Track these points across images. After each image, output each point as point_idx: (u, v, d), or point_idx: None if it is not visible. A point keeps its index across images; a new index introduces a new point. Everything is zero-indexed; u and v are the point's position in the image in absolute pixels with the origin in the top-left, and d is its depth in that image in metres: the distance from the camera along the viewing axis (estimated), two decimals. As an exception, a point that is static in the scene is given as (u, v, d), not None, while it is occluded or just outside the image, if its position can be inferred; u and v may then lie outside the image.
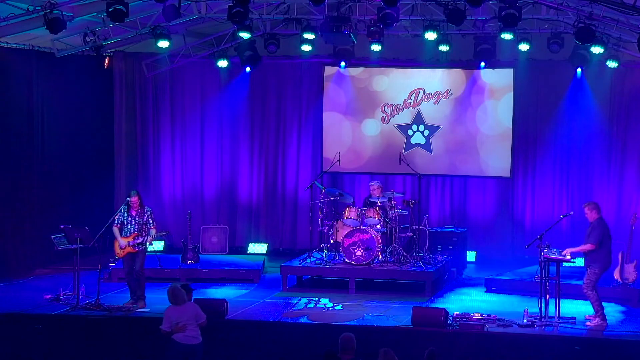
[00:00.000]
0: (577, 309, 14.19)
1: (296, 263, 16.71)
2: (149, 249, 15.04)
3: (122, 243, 14.33)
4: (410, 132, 19.42)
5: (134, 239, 14.33)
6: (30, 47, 17.33)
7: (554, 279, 13.69)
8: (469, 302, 15.20)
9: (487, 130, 19.20)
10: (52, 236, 15.25)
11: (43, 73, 17.82)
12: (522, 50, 17.41)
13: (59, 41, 17.03)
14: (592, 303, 13.53)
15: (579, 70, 18.35)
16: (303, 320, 13.97)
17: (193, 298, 13.56)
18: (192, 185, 20.15)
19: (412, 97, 19.41)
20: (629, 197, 18.58)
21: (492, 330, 13.03)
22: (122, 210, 14.49)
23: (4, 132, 17.24)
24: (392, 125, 19.49)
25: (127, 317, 13.81)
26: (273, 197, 20.10)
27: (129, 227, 14.39)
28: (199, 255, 17.65)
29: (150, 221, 14.44)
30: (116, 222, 14.43)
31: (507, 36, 16.68)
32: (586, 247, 13.50)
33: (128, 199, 14.47)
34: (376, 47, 17.67)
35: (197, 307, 11.34)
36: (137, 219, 14.38)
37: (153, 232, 14.42)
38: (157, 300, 14.05)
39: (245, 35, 17.10)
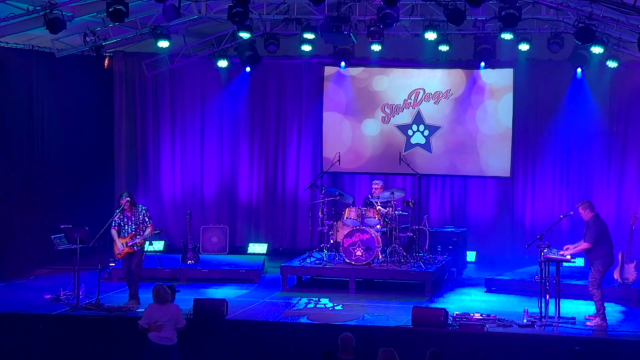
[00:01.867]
0: (577, 309, 14.19)
1: (296, 263, 16.70)
2: (148, 249, 15.00)
3: (119, 245, 14.32)
4: (410, 132, 19.42)
5: (131, 239, 14.32)
6: (30, 47, 17.33)
7: (554, 279, 13.69)
8: (469, 302, 15.20)
9: (487, 130, 19.20)
10: (52, 236, 15.26)
11: (43, 73, 17.80)
12: (522, 50, 17.41)
13: (59, 41, 17.01)
14: (595, 302, 13.52)
15: (579, 70, 18.34)
16: (303, 320, 13.95)
17: (193, 298, 13.63)
18: (192, 185, 20.15)
19: (412, 97, 19.40)
20: (629, 197, 18.58)
21: (492, 330, 13.02)
22: (118, 212, 14.48)
23: (4, 132, 17.21)
24: (392, 125, 19.49)
25: (127, 317, 13.79)
26: (273, 197, 20.10)
27: (127, 227, 14.39)
28: (199, 255, 17.64)
29: (147, 220, 14.42)
30: (114, 224, 14.42)
31: (507, 36, 16.67)
32: (583, 246, 13.53)
33: (127, 199, 14.47)
34: (376, 47, 17.67)
35: (179, 311, 11.33)
36: (132, 218, 14.37)
37: (147, 231, 14.41)
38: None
39: (245, 35, 17.10)
